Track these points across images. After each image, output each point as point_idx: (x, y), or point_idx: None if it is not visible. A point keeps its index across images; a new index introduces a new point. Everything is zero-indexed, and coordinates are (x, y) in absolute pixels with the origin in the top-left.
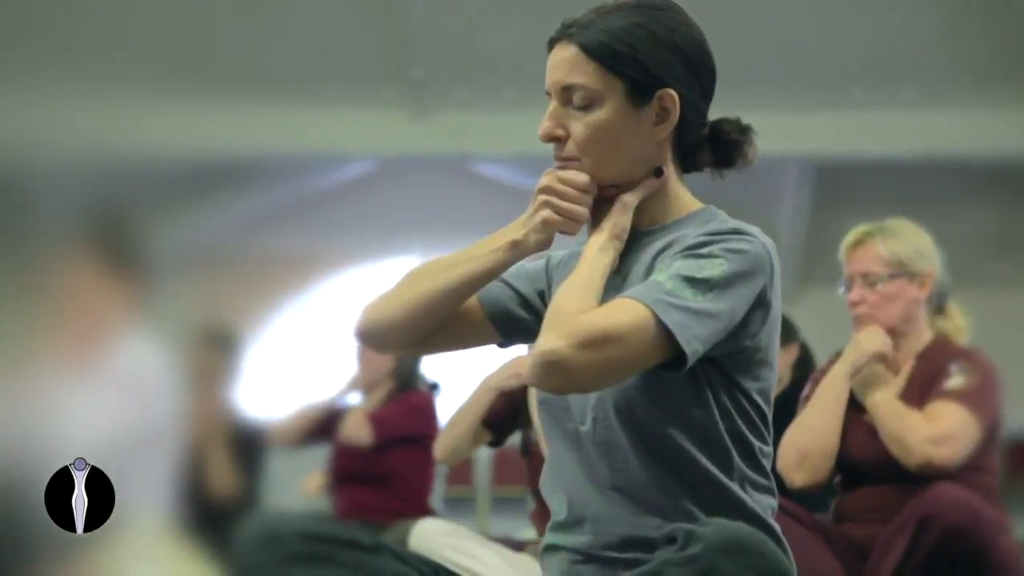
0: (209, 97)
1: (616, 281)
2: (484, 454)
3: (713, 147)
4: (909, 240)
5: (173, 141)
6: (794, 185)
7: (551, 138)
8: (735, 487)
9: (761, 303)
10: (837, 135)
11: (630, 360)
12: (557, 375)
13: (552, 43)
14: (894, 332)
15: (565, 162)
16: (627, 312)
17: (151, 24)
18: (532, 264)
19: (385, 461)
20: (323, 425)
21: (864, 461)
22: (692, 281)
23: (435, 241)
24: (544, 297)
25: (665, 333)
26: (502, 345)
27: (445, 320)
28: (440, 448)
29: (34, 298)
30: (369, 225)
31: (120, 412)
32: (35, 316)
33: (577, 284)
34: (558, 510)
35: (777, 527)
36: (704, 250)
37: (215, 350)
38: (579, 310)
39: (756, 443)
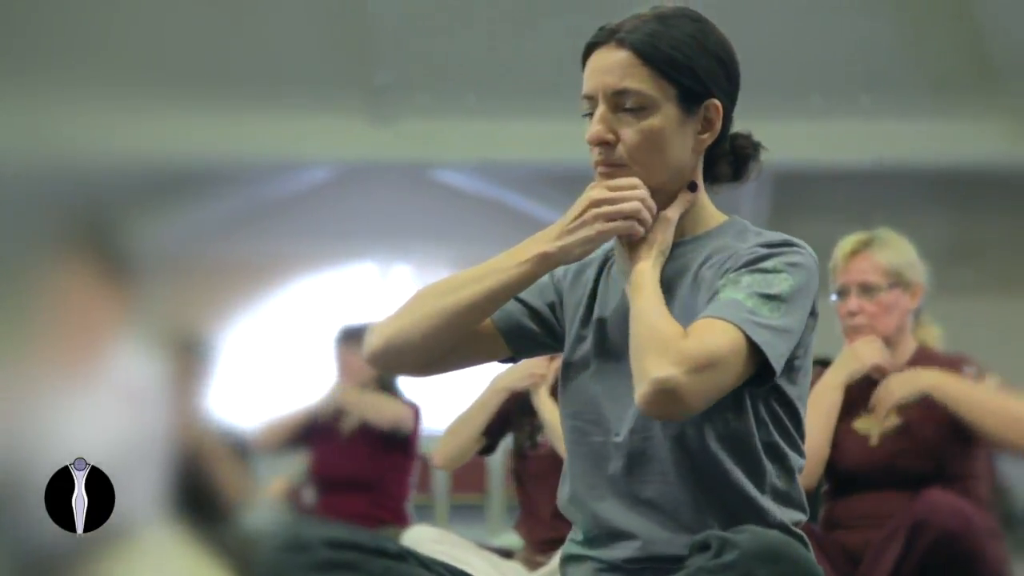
0: (166, 103)
1: None
2: None
3: (731, 160)
4: (903, 251)
5: (132, 147)
6: (752, 193)
7: (602, 142)
8: (766, 501)
9: (812, 313)
10: (795, 143)
11: (730, 382)
12: (673, 402)
13: (593, 47)
14: (888, 342)
15: (612, 168)
16: (724, 334)
17: (108, 29)
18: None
19: (369, 467)
20: (304, 430)
21: (855, 469)
22: (767, 298)
23: (395, 248)
24: (555, 309)
25: (755, 353)
26: (506, 360)
27: (464, 337)
28: (442, 453)
29: (13, 302)
30: (329, 232)
31: (106, 417)
32: (16, 320)
33: (658, 305)
34: (582, 525)
35: (804, 535)
36: (768, 264)
37: (186, 356)
38: (679, 334)
39: (791, 454)
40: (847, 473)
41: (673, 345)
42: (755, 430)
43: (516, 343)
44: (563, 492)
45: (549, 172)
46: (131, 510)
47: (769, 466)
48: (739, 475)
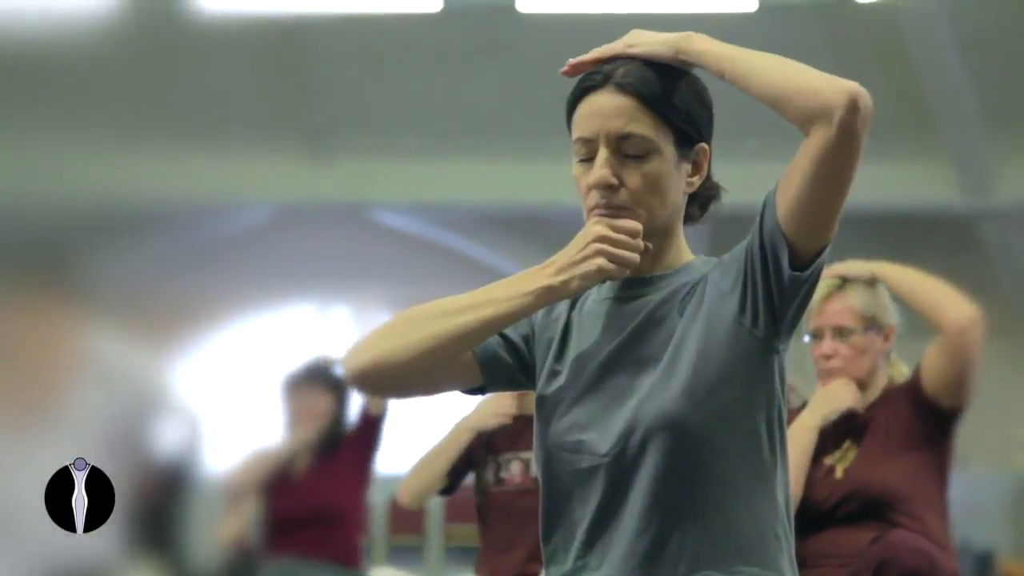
0: (107, 145)
1: (643, 318)
2: (378, 502)
3: (700, 202)
4: (877, 293)
5: (72, 190)
6: (690, 235)
7: (607, 186)
8: (758, 541)
9: None
10: (733, 185)
11: None
12: None
13: (586, 92)
14: (862, 384)
15: (614, 211)
16: None
17: (51, 75)
18: None
19: (324, 505)
20: (276, 473)
21: (823, 501)
22: None
23: (334, 289)
24: (528, 342)
25: None
26: (474, 391)
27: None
28: (407, 491)
29: None
30: (268, 273)
31: (60, 455)
32: None
33: None
34: (574, 553)
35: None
36: None
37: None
38: None
39: (782, 502)
40: (814, 506)
41: None
42: (754, 457)
43: (490, 374)
44: (545, 524)
45: (487, 213)
46: (92, 551)
47: (762, 502)
48: (733, 510)
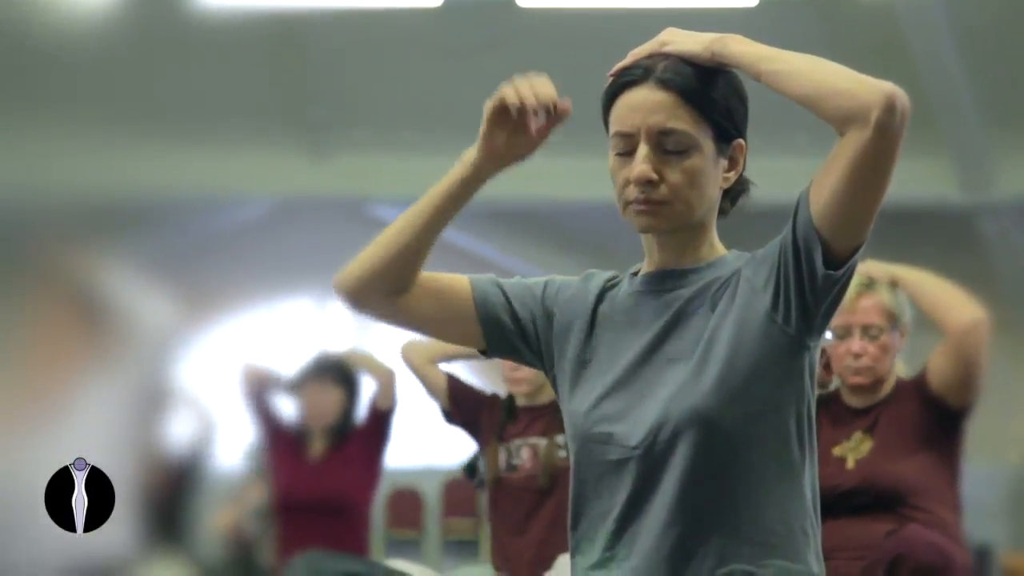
0: (106, 140)
1: (675, 312)
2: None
3: (732, 197)
4: (899, 291)
5: (70, 183)
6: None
7: (647, 181)
8: (787, 536)
9: None
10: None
11: None
12: None
13: (626, 86)
14: (881, 383)
15: (653, 205)
16: None
17: (46, 70)
18: (531, 280)
19: (336, 493)
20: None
21: (833, 490)
22: None
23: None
24: (536, 323)
25: None
26: (486, 354)
27: (423, 257)
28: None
29: None
30: (266, 267)
31: (72, 452)
32: None
33: None
34: (601, 542)
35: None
36: None
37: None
38: None
39: (809, 498)
40: (824, 497)
41: None
42: (784, 454)
43: (491, 334)
44: (574, 516)
45: (486, 208)
46: (106, 546)
47: (790, 498)
48: (762, 506)
